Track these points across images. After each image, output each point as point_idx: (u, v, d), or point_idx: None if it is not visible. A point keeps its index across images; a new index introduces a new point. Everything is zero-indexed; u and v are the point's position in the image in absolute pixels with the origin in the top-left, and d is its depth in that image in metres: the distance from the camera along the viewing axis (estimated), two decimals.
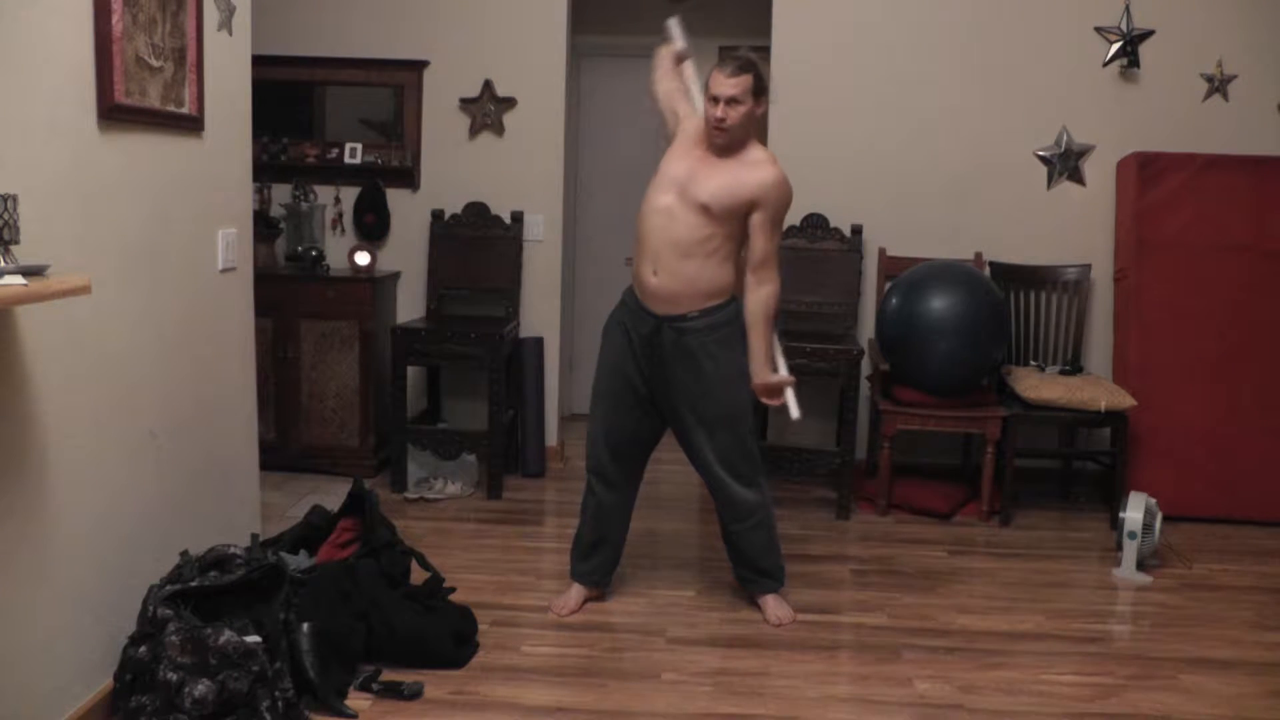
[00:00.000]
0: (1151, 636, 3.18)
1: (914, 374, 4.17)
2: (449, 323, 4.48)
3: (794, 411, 3.02)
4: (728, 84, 2.86)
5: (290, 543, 3.05)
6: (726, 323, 3.00)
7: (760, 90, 2.92)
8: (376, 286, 4.52)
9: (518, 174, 4.70)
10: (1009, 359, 4.50)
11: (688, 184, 2.93)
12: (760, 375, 3.01)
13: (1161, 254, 4.29)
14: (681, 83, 3.18)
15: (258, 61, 3.11)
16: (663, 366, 3.02)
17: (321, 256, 4.61)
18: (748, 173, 2.92)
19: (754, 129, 3.00)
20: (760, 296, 2.97)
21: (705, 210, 2.90)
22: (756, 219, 2.93)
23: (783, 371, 3.04)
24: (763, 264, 2.96)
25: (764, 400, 3.03)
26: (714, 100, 2.87)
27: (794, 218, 4.29)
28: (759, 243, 2.95)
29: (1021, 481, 4.32)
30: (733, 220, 2.93)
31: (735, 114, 2.88)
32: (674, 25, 3.24)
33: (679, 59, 3.22)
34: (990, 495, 4.20)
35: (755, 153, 2.97)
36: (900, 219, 4.63)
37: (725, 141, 2.92)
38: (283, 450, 4.43)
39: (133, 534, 2.51)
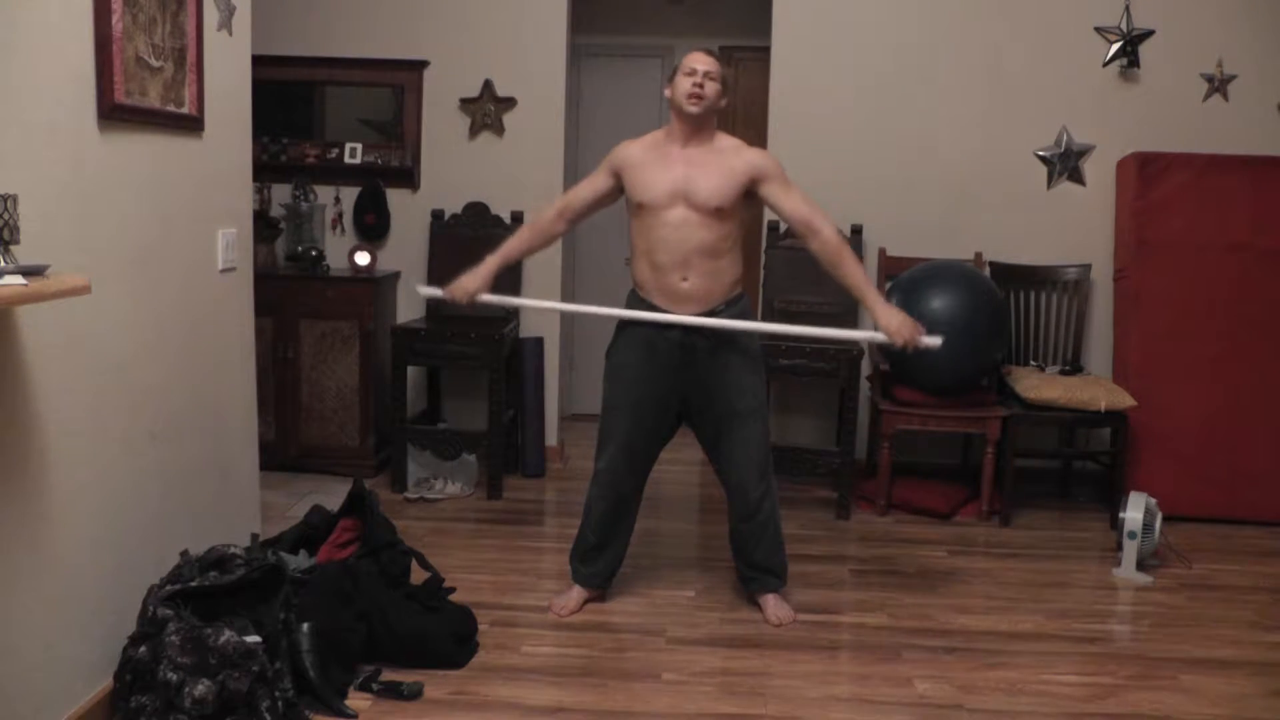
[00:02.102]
0: (1151, 636, 3.18)
1: (914, 374, 4.17)
2: (449, 323, 4.47)
3: (935, 340, 2.94)
4: (704, 60, 2.97)
5: (290, 543, 3.05)
6: (746, 312, 3.09)
7: (725, 84, 3.00)
8: (376, 286, 4.52)
9: (518, 174, 4.70)
10: (1009, 359, 4.50)
11: (688, 191, 2.96)
12: (880, 310, 2.97)
13: (1161, 254, 4.29)
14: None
15: (258, 61, 3.11)
16: (695, 366, 3.05)
17: (321, 256, 4.61)
18: (732, 158, 3.00)
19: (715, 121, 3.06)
20: (823, 241, 2.99)
21: (719, 212, 2.96)
22: (772, 190, 3.00)
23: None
24: (806, 218, 3.00)
25: (900, 340, 2.92)
26: (691, 72, 2.95)
27: None
28: (788, 204, 3.00)
29: (1021, 481, 4.32)
30: (738, 209, 3.02)
31: (711, 88, 2.95)
32: (425, 291, 3.24)
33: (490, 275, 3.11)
34: (990, 495, 4.20)
35: (724, 140, 3.05)
36: (900, 219, 4.62)
37: (700, 111, 2.94)
38: (283, 450, 4.44)
39: (133, 534, 2.51)
